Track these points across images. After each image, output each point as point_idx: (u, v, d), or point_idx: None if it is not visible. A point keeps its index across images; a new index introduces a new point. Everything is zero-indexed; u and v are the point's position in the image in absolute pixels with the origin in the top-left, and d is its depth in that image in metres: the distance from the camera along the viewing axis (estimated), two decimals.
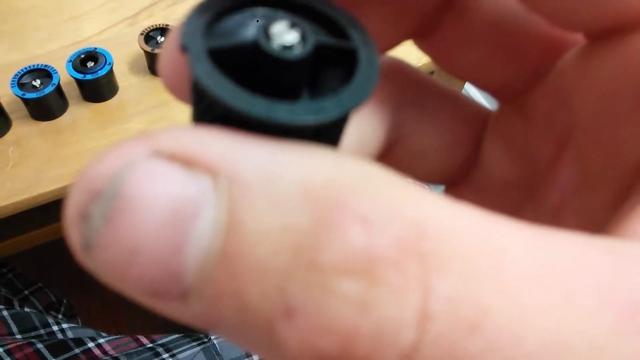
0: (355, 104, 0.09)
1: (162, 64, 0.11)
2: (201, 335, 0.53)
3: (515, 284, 0.08)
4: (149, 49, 0.51)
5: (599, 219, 0.12)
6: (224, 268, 0.08)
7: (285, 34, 0.09)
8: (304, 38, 0.09)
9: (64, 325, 0.56)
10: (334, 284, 0.07)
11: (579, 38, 0.13)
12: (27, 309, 0.57)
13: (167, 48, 0.11)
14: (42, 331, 0.55)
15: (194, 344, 0.52)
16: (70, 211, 0.08)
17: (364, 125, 0.14)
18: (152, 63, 0.52)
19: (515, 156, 0.15)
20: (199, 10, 0.09)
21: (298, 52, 0.09)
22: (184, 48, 0.09)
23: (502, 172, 0.16)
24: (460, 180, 0.17)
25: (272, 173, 0.08)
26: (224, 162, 0.08)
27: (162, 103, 0.51)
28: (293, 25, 0.09)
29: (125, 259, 0.08)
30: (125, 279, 0.08)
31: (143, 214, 0.08)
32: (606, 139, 0.12)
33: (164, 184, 0.08)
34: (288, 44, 0.09)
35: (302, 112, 0.08)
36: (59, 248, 0.89)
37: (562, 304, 0.08)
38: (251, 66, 0.09)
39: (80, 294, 0.91)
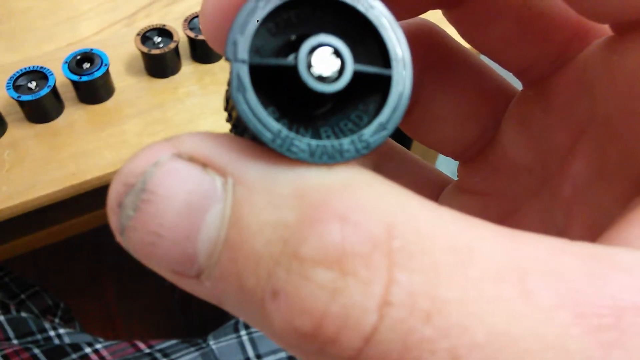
0: (369, 148, 0.10)
1: (204, 21, 0.12)
2: (199, 341, 0.52)
3: (474, 281, 0.08)
4: (145, 49, 0.50)
5: (610, 216, 0.11)
6: (227, 254, 0.09)
7: (325, 62, 0.10)
8: (342, 66, 0.10)
9: (61, 331, 0.55)
10: (310, 272, 0.08)
11: (605, 28, 0.13)
12: (23, 314, 0.56)
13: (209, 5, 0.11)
14: (38, 336, 0.54)
15: (192, 349, 0.51)
16: (110, 200, 0.10)
17: None
18: (148, 64, 0.52)
19: (531, 141, 0.15)
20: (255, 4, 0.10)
21: (333, 88, 0.10)
22: (228, 59, 0.10)
23: (517, 155, 0.16)
24: (474, 157, 0.17)
25: (271, 176, 0.09)
26: (232, 164, 0.09)
27: (158, 104, 0.50)
28: (335, 51, 0.10)
29: (150, 241, 0.09)
30: (150, 257, 0.09)
31: (164, 205, 0.09)
32: (624, 134, 0.12)
33: (182, 180, 0.09)
34: (325, 75, 0.09)
35: (320, 153, 0.09)
36: (57, 252, 0.89)
37: (518, 301, 0.08)
38: (288, 82, 0.10)
39: (78, 298, 0.90)
